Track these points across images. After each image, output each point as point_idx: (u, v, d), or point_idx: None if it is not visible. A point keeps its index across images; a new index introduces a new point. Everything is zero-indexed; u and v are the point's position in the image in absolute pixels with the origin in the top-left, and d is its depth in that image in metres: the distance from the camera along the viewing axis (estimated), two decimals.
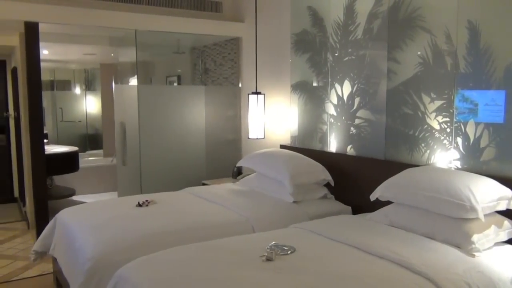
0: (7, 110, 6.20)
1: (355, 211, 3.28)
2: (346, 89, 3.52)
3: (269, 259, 2.15)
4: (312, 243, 2.43)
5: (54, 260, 3.24)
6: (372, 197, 2.81)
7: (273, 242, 2.37)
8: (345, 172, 3.45)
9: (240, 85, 4.93)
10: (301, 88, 3.99)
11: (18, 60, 4.77)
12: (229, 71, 5.07)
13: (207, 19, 4.65)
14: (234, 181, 4.29)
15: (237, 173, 4.54)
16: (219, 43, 5.20)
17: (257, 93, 4.08)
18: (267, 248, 2.27)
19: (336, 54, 3.58)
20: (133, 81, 5.37)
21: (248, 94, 4.12)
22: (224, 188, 3.77)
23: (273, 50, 4.37)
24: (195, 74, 5.73)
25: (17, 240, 4.61)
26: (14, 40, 4.83)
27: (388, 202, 2.77)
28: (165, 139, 4.63)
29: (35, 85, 4.08)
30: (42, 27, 4.02)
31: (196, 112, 4.78)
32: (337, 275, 1.98)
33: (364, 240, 2.36)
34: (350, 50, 3.46)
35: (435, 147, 2.88)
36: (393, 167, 2.95)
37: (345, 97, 3.53)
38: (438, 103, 2.84)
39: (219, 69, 5.25)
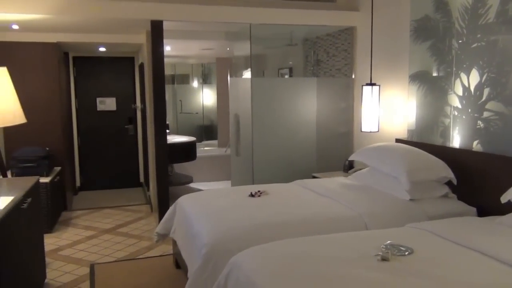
0: (135, 103, 6.80)
1: (481, 213, 2.99)
2: (473, 79, 3.21)
3: (384, 259, 2.05)
4: (432, 245, 2.27)
5: (174, 243, 3.48)
6: (504, 198, 2.53)
7: (389, 241, 2.26)
8: (470, 169, 3.15)
9: (353, 76, 4.78)
10: (420, 78, 3.73)
11: (144, 57, 5.18)
12: (342, 62, 4.94)
13: (321, 10, 4.57)
14: (346, 175, 4.19)
15: (349, 166, 4.42)
16: (332, 33, 5.09)
17: (371, 84, 3.92)
18: (382, 247, 2.17)
19: (461, 41, 3.28)
20: (247, 74, 5.52)
21: (362, 86, 3.97)
22: (335, 182, 3.70)
23: (389, 39, 4.15)
24: (307, 66, 5.69)
25: (142, 221, 5.05)
26: (141, 38, 5.26)
27: None
28: (277, 130, 4.69)
29: (159, 79, 4.39)
30: (165, 25, 4.30)
31: (307, 104, 4.76)
32: (463, 283, 1.81)
33: (494, 247, 2.13)
34: (479, 35, 3.13)
35: None
36: None
37: (472, 88, 3.22)
38: None
39: (331, 60, 5.15)
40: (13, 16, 3.95)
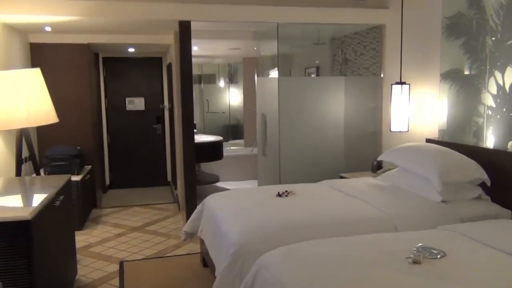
0: (163, 102, 6.88)
1: None
2: (508, 77, 3.10)
3: (416, 262, 2.01)
4: (466, 248, 2.21)
5: (202, 241, 3.50)
6: None
7: (420, 244, 2.21)
8: (505, 171, 3.05)
9: (382, 75, 4.70)
10: (452, 77, 3.64)
11: (172, 57, 5.24)
12: (371, 61, 4.87)
13: (349, 8, 4.51)
14: (374, 176, 4.12)
15: (377, 167, 4.35)
16: (360, 32, 5.02)
17: (401, 83, 3.84)
18: (414, 250, 2.13)
19: (495, 38, 3.18)
20: (273, 74, 5.51)
21: (392, 85, 3.90)
22: (364, 182, 3.65)
23: (420, 36, 4.06)
24: (334, 65, 5.64)
25: (169, 220, 5.11)
26: (170, 39, 5.31)
27: None
28: (304, 130, 4.66)
29: (187, 79, 4.43)
30: (193, 25, 4.33)
31: (335, 103, 4.71)
32: None
33: None
34: None
35: None
36: None
37: (506, 86, 3.11)
38: None
39: (359, 59, 5.08)
40: (47, 18, 4.05)
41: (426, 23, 3.97)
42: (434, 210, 2.93)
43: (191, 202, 4.50)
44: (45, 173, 4.68)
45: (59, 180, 3.06)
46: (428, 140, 3.87)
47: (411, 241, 2.26)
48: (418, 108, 4.10)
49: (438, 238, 2.35)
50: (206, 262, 3.48)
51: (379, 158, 3.80)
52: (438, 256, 2.08)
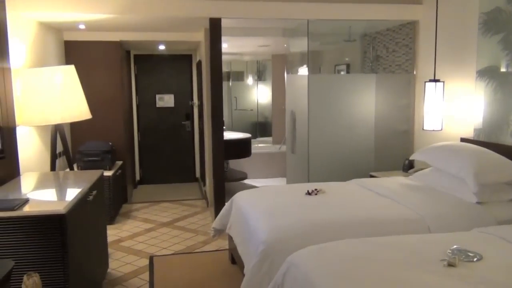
0: (192, 99, 6.94)
1: None
2: None
3: (451, 265, 1.95)
4: (503, 251, 2.13)
5: (230, 238, 3.51)
6: None
7: (455, 246, 2.15)
8: None
9: (414, 72, 4.60)
10: (489, 74, 3.52)
11: (202, 54, 5.27)
12: (403, 58, 4.77)
13: (382, 3, 4.43)
14: (405, 175, 4.04)
15: (408, 166, 4.25)
16: (392, 28, 4.92)
17: (435, 80, 3.75)
18: (449, 252, 2.07)
19: None
20: (302, 71, 5.46)
21: (425, 82, 3.81)
22: (395, 181, 3.58)
23: (455, 33, 3.95)
24: (364, 62, 5.55)
25: (198, 216, 5.15)
26: (200, 36, 5.34)
27: None
28: (333, 128, 4.60)
29: (217, 76, 4.44)
30: (223, 22, 4.34)
31: (365, 101, 4.63)
32: None
33: None
34: None
35: None
36: None
37: None
38: None
39: (391, 56, 4.98)
40: (81, 16, 4.14)
41: (462, 18, 3.86)
42: (469, 212, 2.85)
43: (220, 199, 4.52)
44: (78, 168, 4.79)
45: (92, 175, 3.13)
46: (463, 139, 3.76)
47: (445, 243, 2.20)
48: (452, 106, 3.99)
49: (474, 240, 2.28)
50: (235, 259, 3.49)
51: (412, 157, 3.72)
52: (475, 259, 2.01)
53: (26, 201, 2.42)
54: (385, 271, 1.89)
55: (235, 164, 6.71)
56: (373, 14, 4.46)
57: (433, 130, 3.84)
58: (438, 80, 3.75)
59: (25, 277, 2.11)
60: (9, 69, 3.16)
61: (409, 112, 4.66)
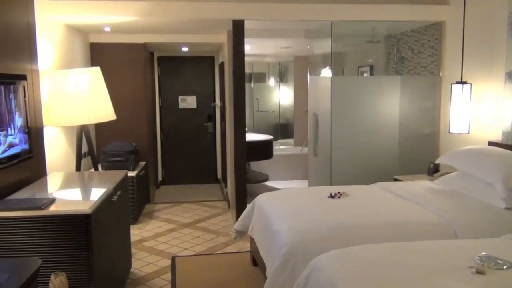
0: (214, 101, 6.97)
1: None
2: None
3: (479, 272, 1.89)
4: None
5: (252, 240, 3.50)
6: None
7: (484, 253, 2.09)
8: None
9: (441, 74, 4.51)
10: None
11: (225, 56, 5.28)
12: (429, 59, 4.68)
13: (407, 4, 4.36)
14: (431, 179, 3.96)
15: (434, 170, 4.17)
16: (417, 29, 4.84)
17: (462, 82, 3.67)
18: (477, 259, 2.01)
19: None
20: (326, 72, 5.42)
21: (452, 84, 3.73)
22: (420, 185, 3.52)
23: (483, 33, 3.85)
24: (389, 64, 5.47)
25: (219, 217, 5.16)
26: (222, 38, 5.36)
27: None
28: (357, 130, 4.55)
29: (239, 78, 4.45)
30: (246, 24, 4.34)
31: (390, 103, 4.56)
32: None
33: None
34: None
35: None
36: None
37: None
38: None
39: (416, 58, 4.90)
40: (107, 19, 4.20)
41: (490, 19, 3.76)
42: (497, 217, 2.77)
43: (241, 200, 4.52)
44: (102, 168, 4.86)
45: (117, 176, 3.16)
46: (490, 143, 3.66)
47: (473, 249, 2.15)
48: (479, 109, 3.90)
49: (503, 247, 2.21)
50: (256, 260, 3.48)
51: (438, 161, 3.65)
52: (504, 267, 1.95)
53: (52, 200, 2.47)
54: (410, 277, 1.86)
55: (256, 166, 6.70)
56: (398, 15, 4.39)
57: (460, 133, 3.76)
58: (465, 82, 3.67)
59: (52, 276, 2.15)
60: (37, 71, 3.22)
61: (435, 114, 4.57)
